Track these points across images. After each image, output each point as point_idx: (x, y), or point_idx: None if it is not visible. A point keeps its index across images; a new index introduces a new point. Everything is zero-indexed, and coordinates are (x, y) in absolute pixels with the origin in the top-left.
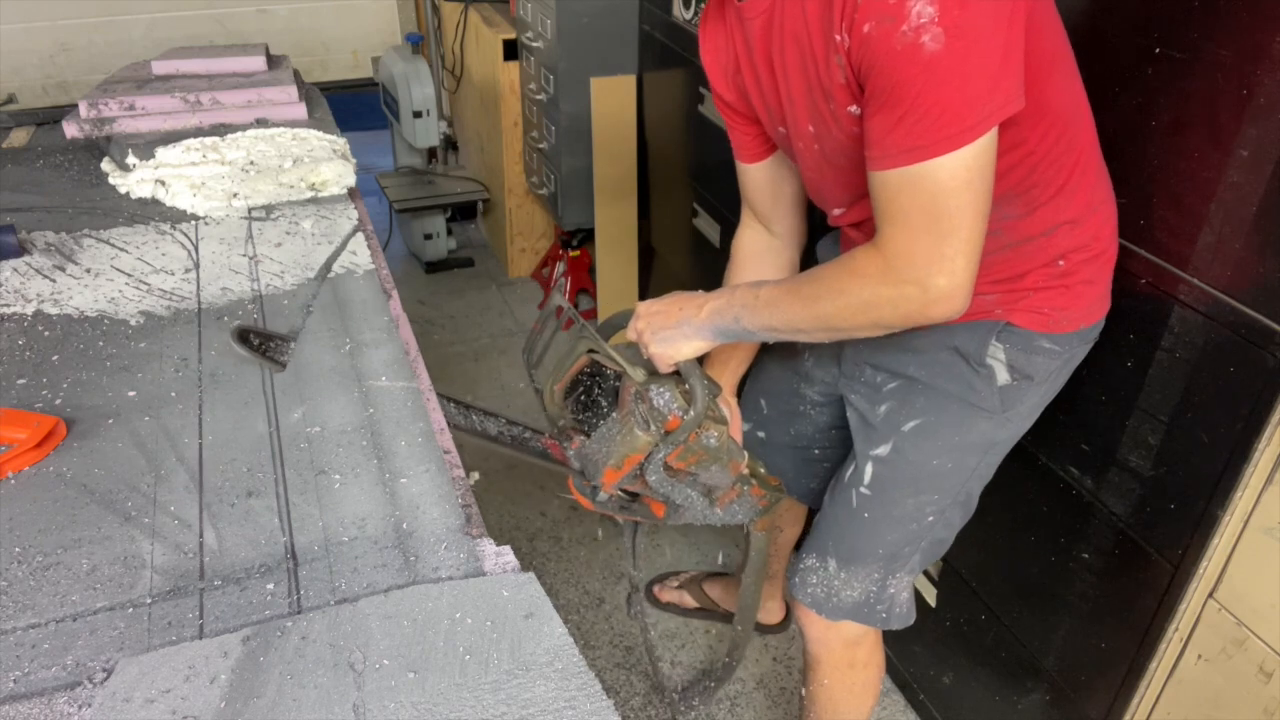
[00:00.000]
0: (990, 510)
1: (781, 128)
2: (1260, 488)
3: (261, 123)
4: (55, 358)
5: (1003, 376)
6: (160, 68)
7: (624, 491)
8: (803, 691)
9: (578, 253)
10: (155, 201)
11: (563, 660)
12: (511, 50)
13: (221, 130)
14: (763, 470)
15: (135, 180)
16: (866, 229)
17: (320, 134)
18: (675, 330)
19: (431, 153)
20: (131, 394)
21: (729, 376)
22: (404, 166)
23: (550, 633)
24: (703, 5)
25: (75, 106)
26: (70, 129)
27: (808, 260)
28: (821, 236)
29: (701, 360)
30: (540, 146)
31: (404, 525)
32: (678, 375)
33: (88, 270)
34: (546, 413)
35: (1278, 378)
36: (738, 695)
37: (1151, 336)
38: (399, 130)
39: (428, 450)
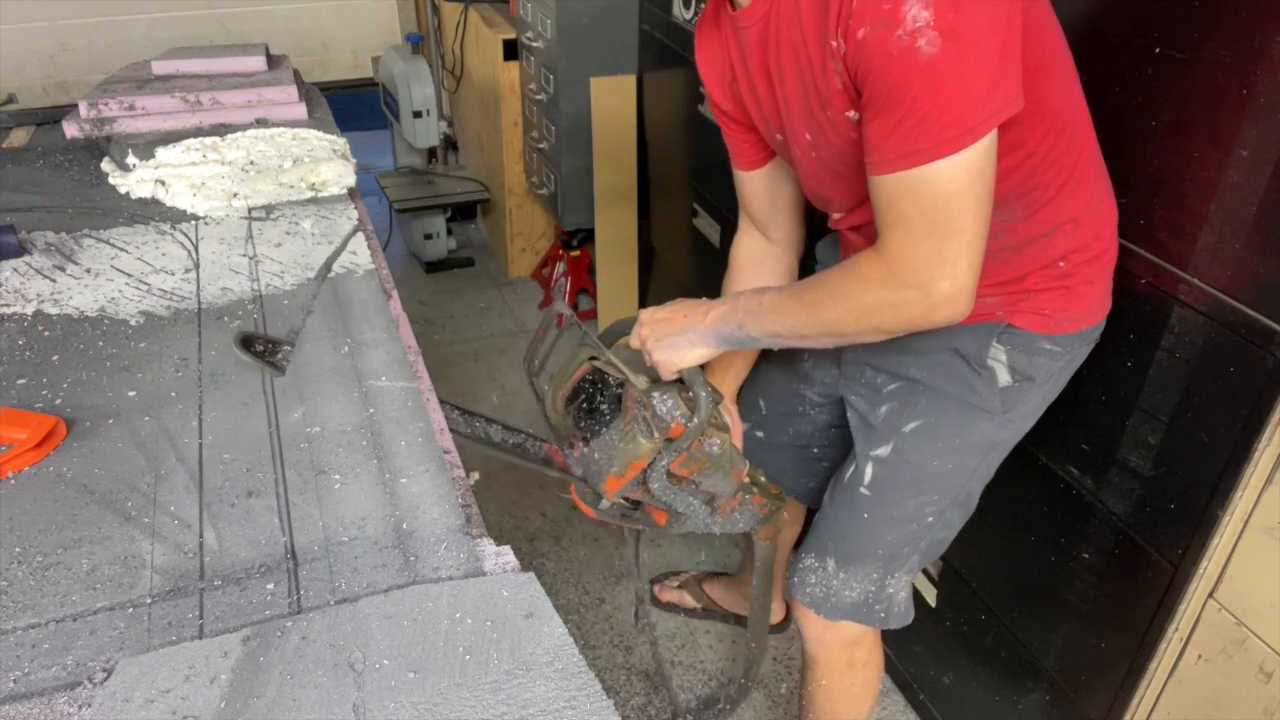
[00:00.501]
0: (990, 510)
1: (779, 135)
2: (1260, 488)
3: (261, 123)
4: (55, 358)
5: (1004, 378)
6: (160, 68)
7: (626, 499)
8: (801, 692)
9: (578, 253)
10: (155, 201)
11: (563, 660)
12: (511, 50)
13: (221, 130)
14: (763, 479)
15: (135, 180)
16: (866, 232)
17: (320, 134)
18: (680, 337)
19: (431, 153)
20: (131, 394)
21: (729, 384)
22: (404, 166)
23: (550, 633)
24: (702, 7)
25: (75, 106)
26: (70, 129)
27: (807, 261)
28: (820, 238)
29: (703, 368)
30: (540, 146)
31: (404, 525)
32: (680, 382)
33: (88, 270)
34: (548, 420)
35: (1278, 378)
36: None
37: (1151, 336)
38: (399, 130)
39: (428, 450)
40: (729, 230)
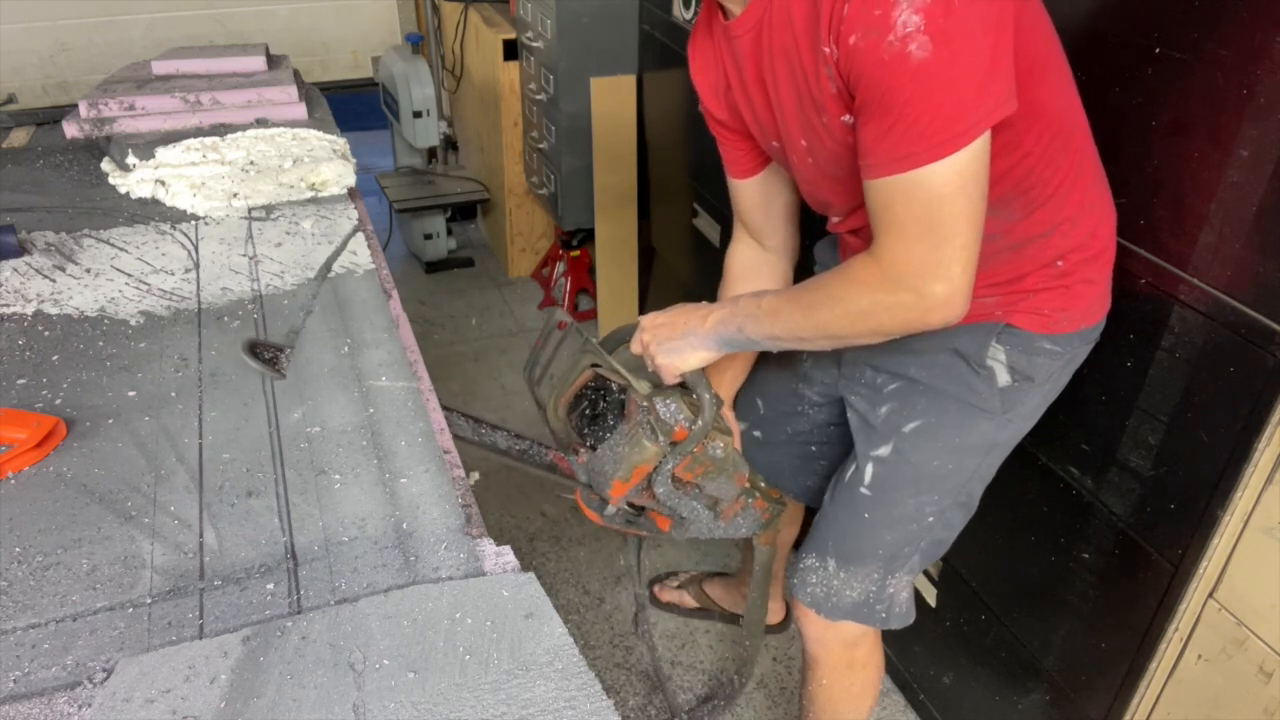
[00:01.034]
0: (990, 510)
1: (775, 142)
2: (1260, 488)
3: (261, 123)
4: (55, 358)
5: (1003, 378)
6: (160, 68)
7: (630, 505)
8: (802, 692)
9: (578, 253)
10: (155, 201)
11: (563, 660)
12: (511, 50)
13: (221, 130)
14: (763, 483)
15: (135, 180)
16: (865, 234)
17: (320, 134)
18: (681, 341)
19: (431, 153)
20: (131, 394)
21: (726, 388)
22: (404, 166)
23: (550, 633)
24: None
25: (75, 106)
26: (70, 129)
27: (805, 263)
28: (818, 239)
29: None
30: (540, 146)
31: (404, 525)
32: (682, 387)
33: (88, 270)
34: (551, 427)
35: (1278, 378)
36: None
37: (1151, 336)
38: (399, 130)
39: (428, 450)
40: (729, 230)
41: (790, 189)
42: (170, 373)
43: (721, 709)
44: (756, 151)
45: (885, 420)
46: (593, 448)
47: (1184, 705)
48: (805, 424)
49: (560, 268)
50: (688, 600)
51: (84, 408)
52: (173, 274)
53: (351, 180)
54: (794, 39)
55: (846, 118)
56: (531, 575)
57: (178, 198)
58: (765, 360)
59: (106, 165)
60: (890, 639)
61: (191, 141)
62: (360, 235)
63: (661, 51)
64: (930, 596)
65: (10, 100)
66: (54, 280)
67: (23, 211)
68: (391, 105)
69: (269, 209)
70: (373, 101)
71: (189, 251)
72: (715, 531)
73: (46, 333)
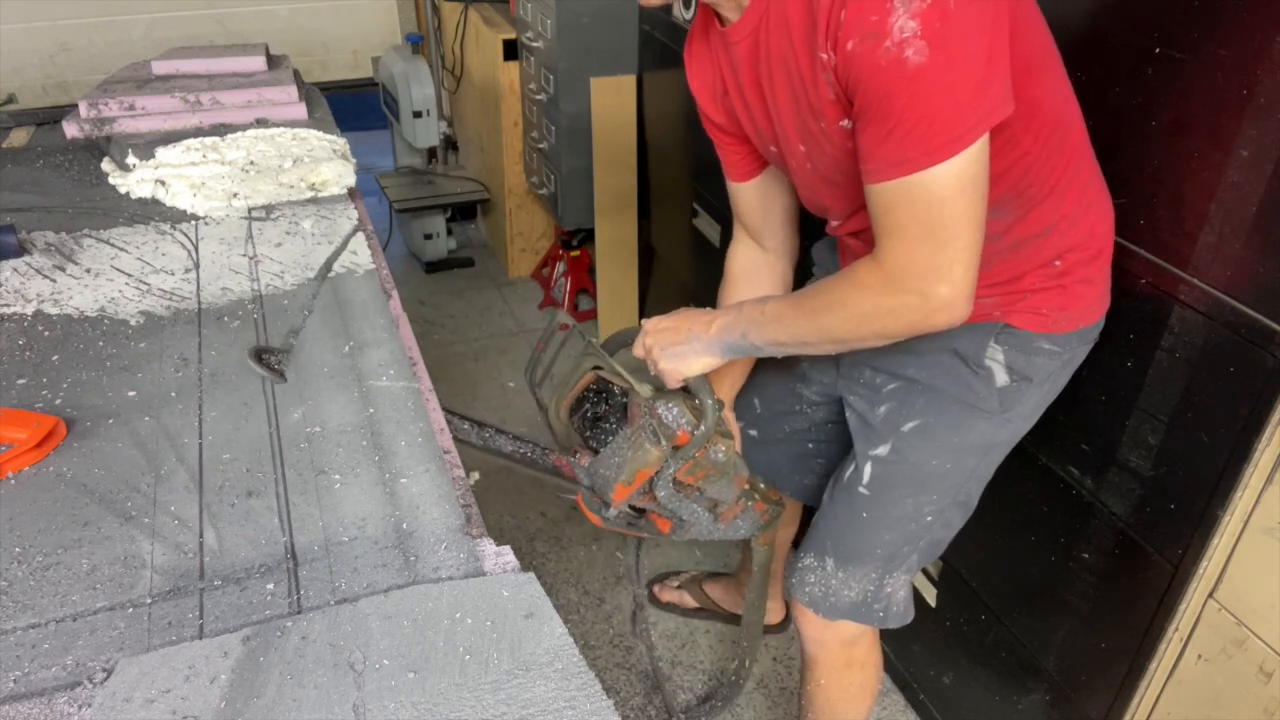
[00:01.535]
0: (990, 510)
1: (773, 147)
2: (1260, 488)
3: (261, 123)
4: (55, 358)
5: (1001, 378)
6: (160, 68)
7: (632, 508)
8: (800, 691)
9: (578, 253)
10: (155, 201)
11: (563, 660)
12: (511, 50)
13: (221, 130)
14: (763, 485)
15: (135, 180)
16: (866, 237)
17: (320, 134)
18: (685, 346)
19: (431, 153)
20: (131, 394)
21: (726, 392)
22: (404, 166)
23: (550, 633)
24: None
25: (75, 106)
26: (70, 129)
27: (804, 264)
28: (816, 241)
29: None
30: (540, 146)
31: (404, 525)
32: (684, 391)
33: (88, 270)
34: (552, 430)
35: (1278, 378)
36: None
37: (1151, 336)
38: (399, 130)
39: (428, 450)
40: (729, 230)
41: (789, 191)
42: (170, 373)
43: (719, 709)
44: (754, 155)
45: (884, 420)
46: (595, 450)
47: (1184, 705)
48: (803, 423)
49: (560, 268)
50: (687, 600)
51: (84, 408)
52: (173, 274)
53: (351, 180)
54: (790, 45)
55: (845, 123)
56: (531, 575)
57: (178, 198)
58: (763, 360)
59: (106, 165)
60: (890, 639)
61: (191, 141)
62: (360, 235)
63: (662, 51)
64: (930, 596)
65: (10, 100)
66: (54, 280)
67: (23, 211)
68: (391, 105)
69: (269, 209)
70: (373, 101)
71: (189, 251)
72: (715, 534)
73: (46, 333)
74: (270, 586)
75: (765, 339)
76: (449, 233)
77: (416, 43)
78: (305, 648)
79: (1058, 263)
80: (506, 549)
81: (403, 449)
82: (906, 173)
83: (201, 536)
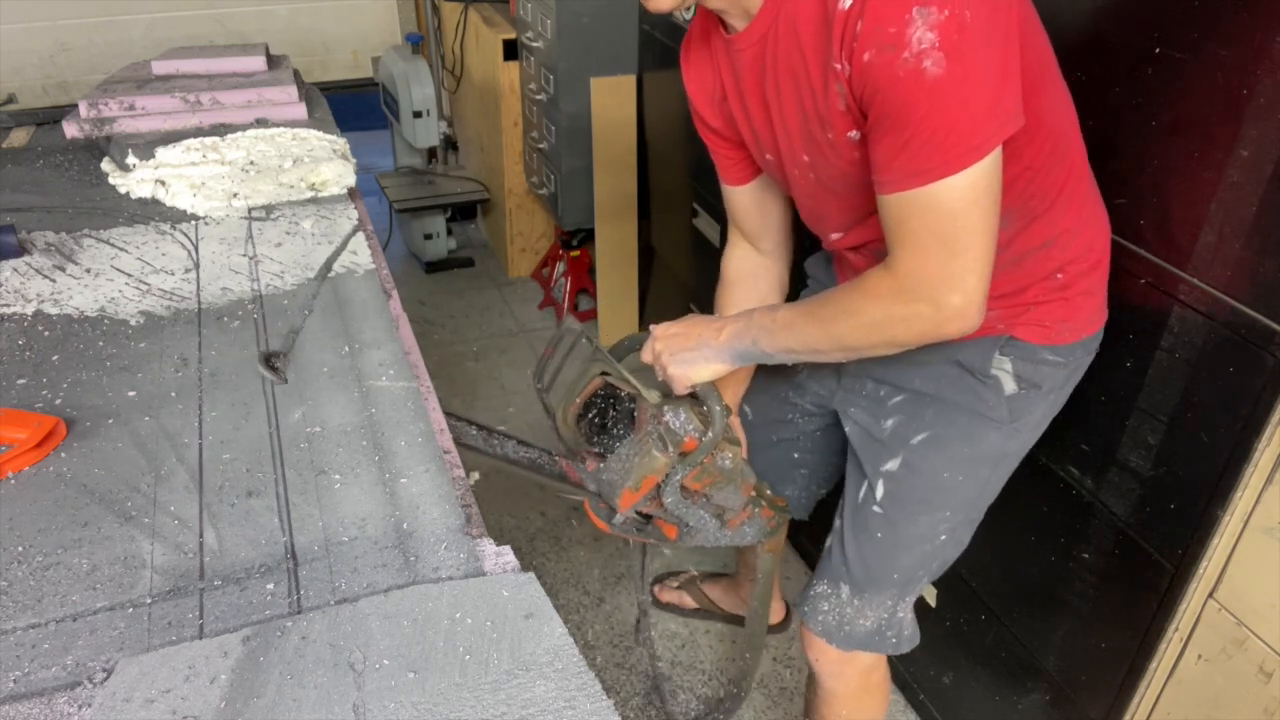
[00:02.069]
0: (991, 510)
1: (770, 155)
2: (1260, 488)
3: (261, 123)
4: (55, 358)
5: (1010, 386)
6: (160, 68)
7: (638, 514)
8: (813, 717)
9: (578, 253)
10: (155, 201)
11: (563, 660)
12: (511, 50)
13: (221, 130)
14: (769, 492)
15: (135, 180)
16: (866, 252)
17: (320, 134)
18: (695, 353)
19: (431, 153)
20: (131, 394)
21: (730, 398)
22: (404, 166)
23: (550, 633)
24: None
25: (75, 106)
26: (70, 129)
27: (798, 273)
28: (809, 255)
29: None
30: (540, 146)
31: (404, 525)
32: (691, 397)
33: (88, 270)
34: (560, 435)
35: (1278, 378)
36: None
37: (1151, 336)
38: (399, 130)
39: (428, 450)
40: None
41: (784, 194)
42: (170, 373)
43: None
44: (750, 159)
45: (893, 434)
46: (602, 456)
47: (1184, 705)
48: (792, 432)
49: (560, 268)
50: (687, 601)
51: (84, 408)
52: (173, 274)
53: (351, 180)
54: (800, 54)
55: (853, 134)
56: (531, 575)
57: (178, 198)
58: (759, 368)
59: (106, 165)
60: None
61: (191, 141)
62: (360, 235)
63: (662, 51)
64: (930, 596)
65: (10, 100)
66: (54, 280)
67: (23, 211)
68: (391, 105)
69: (269, 209)
70: (373, 101)
71: (189, 251)
72: (721, 540)
73: (46, 333)
74: (270, 586)
75: (776, 346)
76: (449, 233)
77: (416, 43)
78: (305, 648)
79: (1059, 275)
80: (506, 549)
81: (403, 449)
82: (922, 183)
83: (201, 536)
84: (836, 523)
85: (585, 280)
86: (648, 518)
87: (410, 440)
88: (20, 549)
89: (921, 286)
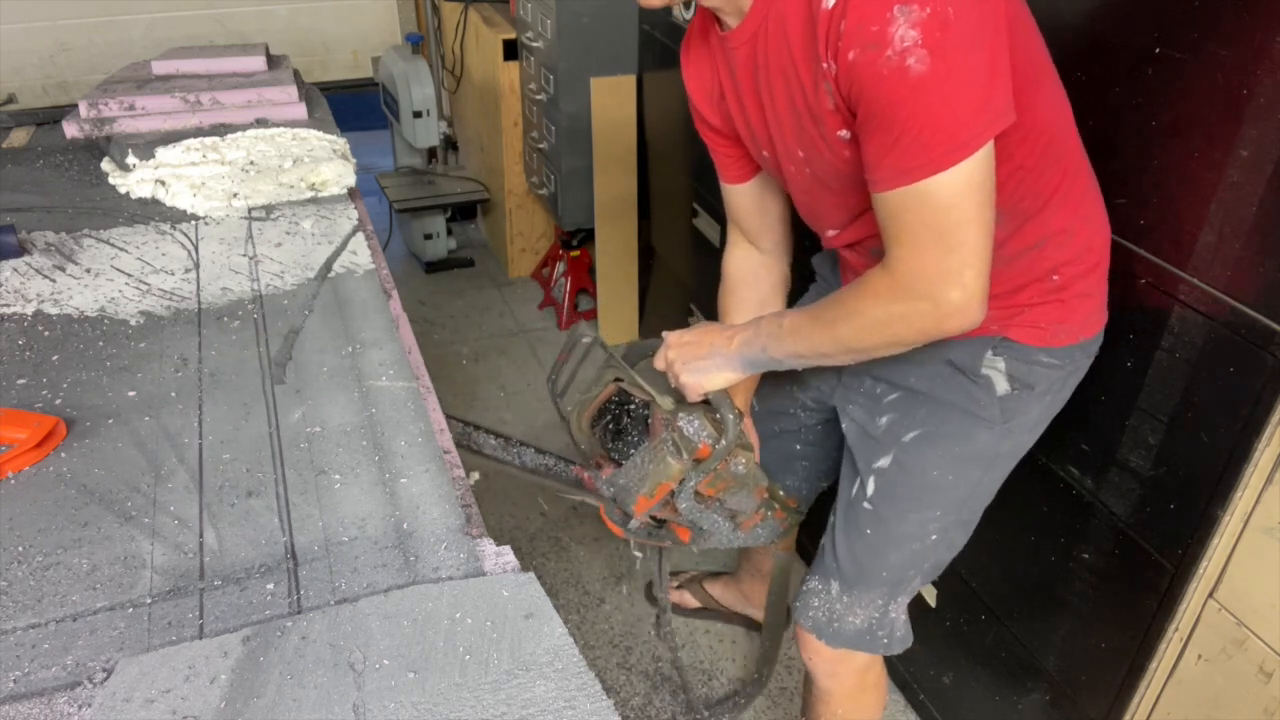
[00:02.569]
0: (990, 510)
1: (766, 152)
2: (1260, 488)
3: (261, 123)
4: (55, 358)
5: (1002, 386)
6: (160, 68)
7: (653, 518)
8: (810, 716)
9: (578, 253)
10: (155, 201)
11: (563, 660)
12: (511, 50)
13: (221, 130)
14: (781, 494)
15: (135, 180)
16: (862, 249)
17: (320, 134)
18: (707, 361)
19: (431, 153)
20: (131, 394)
21: (741, 404)
22: (404, 166)
23: (550, 633)
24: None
25: (75, 106)
26: (70, 129)
27: (802, 270)
28: (816, 251)
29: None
30: (540, 146)
31: (404, 525)
32: (705, 404)
33: (88, 270)
34: (574, 441)
35: (1278, 378)
36: (737, 695)
37: (1151, 336)
38: (399, 130)
39: (428, 450)
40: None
41: (784, 191)
42: (170, 373)
43: (743, 706)
44: (749, 157)
45: (886, 431)
46: (617, 462)
47: (1184, 705)
48: (793, 424)
49: (560, 268)
50: (689, 600)
51: (84, 408)
52: (173, 274)
53: (351, 180)
54: (789, 53)
55: (844, 133)
56: (531, 575)
57: (178, 198)
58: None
59: (106, 165)
60: None
61: (191, 141)
62: (360, 235)
63: (662, 51)
64: (930, 597)
65: (10, 100)
66: (54, 280)
67: (23, 211)
68: (391, 105)
69: (269, 209)
70: (373, 101)
71: (189, 251)
72: (735, 541)
73: (46, 333)
74: (270, 586)
75: (784, 352)
76: (449, 233)
77: (416, 43)
78: (305, 648)
79: (1055, 277)
80: (506, 549)
81: (403, 449)
82: (912, 180)
83: (201, 536)
84: (830, 519)
85: (585, 280)
86: (661, 522)
87: (410, 440)
88: (20, 549)
89: (920, 284)
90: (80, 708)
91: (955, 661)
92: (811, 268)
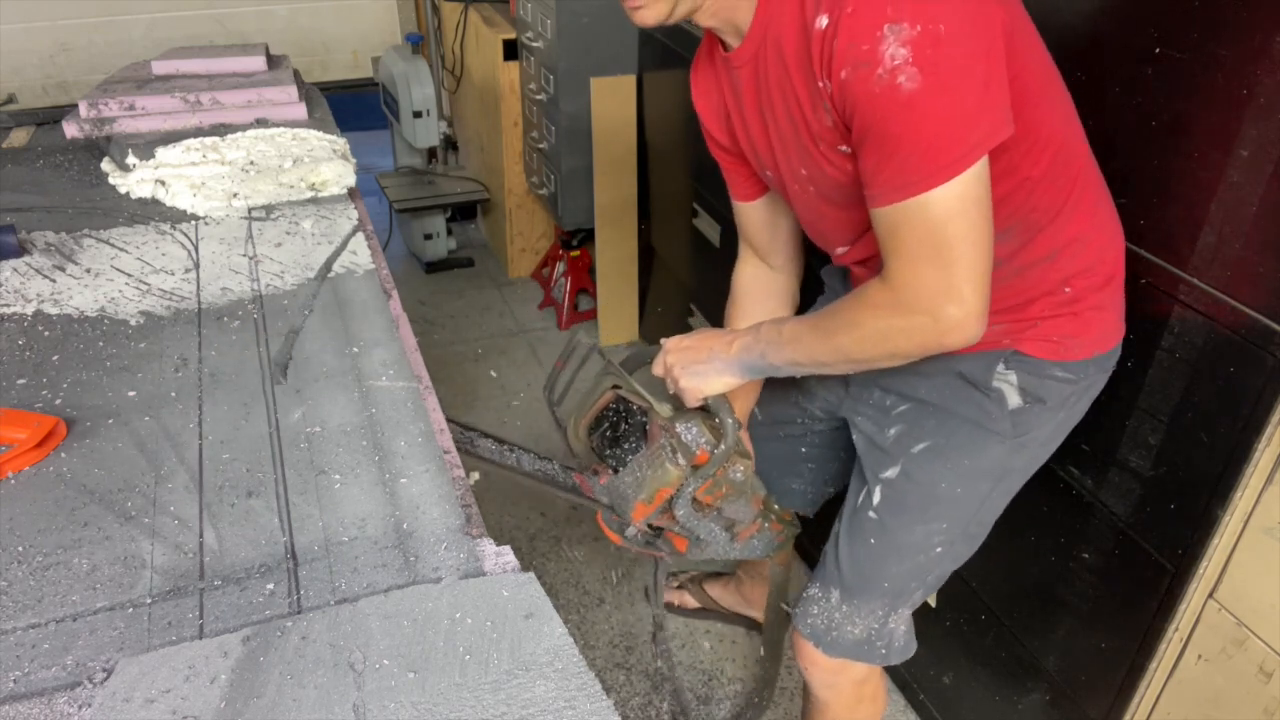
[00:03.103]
0: None
1: (770, 171)
2: (1260, 488)
3: (261, 123)
4: (55, 358)
5: (1014, 399)
6: (160, 68)
7: (649, 527)
8: None
9: (578, 253)
10: (155, 201)
11: (563, 660)
12: (511, 50)
13: (221, 130)
14: (777, 506)
15: (135, 180)
16: (872, 265)
17: (320, 134)
18: (707, 365)
19: (431, 153)
20: (131, 394)
21: (740, 413)
22: (404, 166)
23: (550, 633)
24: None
25: (75, 106)
26: (70, 129)
27: (811, 285)
28: (825, 264)
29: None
30: (540, 146)
31: (404, 525)
32: (703, 410)
33: (88, 270)
34: (571, 448)
35: (1278, 378)
36: (737, 696)
37: (1152, 336)
38: (399, 130)
39: (428, 450)
40: (729, 230)
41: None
42: (170, 373)
43: None
44: (759, 176)
45: (894, 442)
46: (614, 469)
47: (1184, 705)
48: (799, 430)
49: (560, 268)
50: (688, 600)
51: (84, 408)
52: (173, 274)
53: (351, 180)
54: (786, 72)
55: (843, 148)
56: (531, 575)
57: (178, 198)
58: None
59: (106, 165)
60: None
61: (191, 141)
62: (360, 235)
63: (662, 52)
64: (930, 597)
65: (10, 100)
66: (54, 280)
67: (23, 211)
68: (391, 105)
69: (269, 209)
70: (373, 101)
71: (189, 251)
72: (731, 553)
73: (46, 333)
74: (270, 586)
75: (783, 359)
76: (449, 233)
77: (416, 43)
78: (305, 648)
79: (1067, 289)
80: (506, 549)
81: (403, 449)
82: (908, 196)
83: (201, 536)
84: (835, 527)
85: (585, 280)
86: (658, 531)
87: (410, 440)
88: (20, 549)
89: (918, 299)
90: (80, 708)
91: (955, 661)
92: (820, 279)
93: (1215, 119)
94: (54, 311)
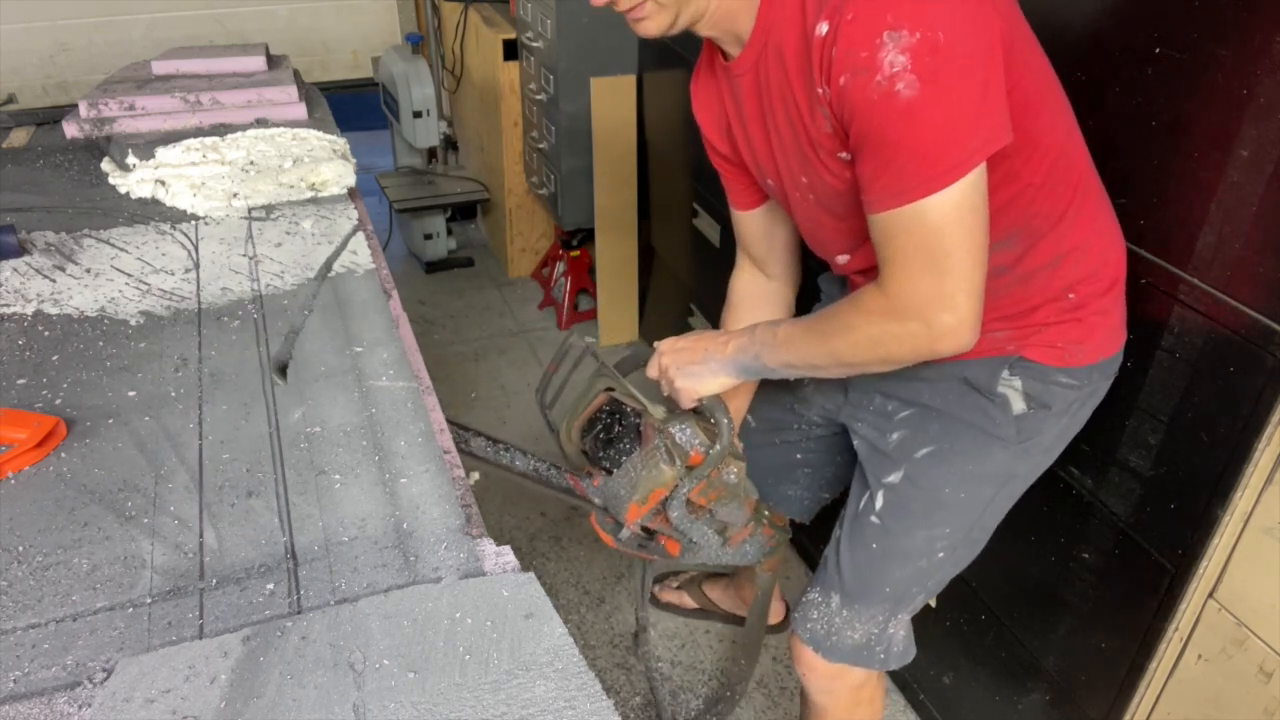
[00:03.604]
0: None
1: (771, 180)
2: (1260, 488)
3: (261, 123)
4: (55, 358)
5: (1018, 405)
6: (160, 68)
7: (642, 529)
8: None
9: (578, 253)
10: (155, 201)
11: (563, 660)
12: (511, 50)
13: (221, 130)
14: (767, 512)
15: (135, 180)
16: (872, 275)
17: (320, 134)
18: (702, 366)
19: (431, 153)
20: (131, 394)
21: (733, 414)
22: (404, 166)
23: (550, 633)
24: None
25: (75, 106)
26: (70, 129)
27: (809, 292)
28: (822, 271)
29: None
30: (540, 146)
31: (404, 525)
32: (696, 412)
33: (88, 270)
34: (563, 451)
35: (1278, 378)
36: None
37: (1152, 336)
38: (399, 130)
39: (428, 450)
40: (729, 230)
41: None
42: (170, 373)
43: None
44: (758, 184)
45: (897, 447)
46: (608, 471)
47: (1184, 705)
48: (795, 435)
49: (560, 268)
50: (687, 601)
51: (84, 408)
52: (173, 274)
53: (351, 180)
54: (787, 79)
55: (843, 155)
56: (531, 575)
57: (178, 198)
58: (764, 381)
59: (106, 165)
60: None
61: (191, 141)
62: (360, 235)
63: (662, 52)
64: (931, 598)
65: (10, 100)
66: (54, 280)
67: (23, 211)
68: (391, 105)
69: (269, 209)
70: (373, 101)
71: (189, 251)
72: (723, 557)
73: (46, 333)
74: (270, 586)
75: (777, 361)
76: (449, 233)
77: (416, 43)
78: (305, 648)
79: (1071, 295)
80: (506, 549)
81: (403, 449)
82: (904, 202)
83: (201, 536)
84: (836, 532)
85: (585, 280)
86: (651, 534)
87: (410, 440)
88: (20, 549)
89: (913, 305)
90: (80, 708)
91: (955, 661)
92: (817, 286)
93: (1215, 119)
94: (54, 311)
